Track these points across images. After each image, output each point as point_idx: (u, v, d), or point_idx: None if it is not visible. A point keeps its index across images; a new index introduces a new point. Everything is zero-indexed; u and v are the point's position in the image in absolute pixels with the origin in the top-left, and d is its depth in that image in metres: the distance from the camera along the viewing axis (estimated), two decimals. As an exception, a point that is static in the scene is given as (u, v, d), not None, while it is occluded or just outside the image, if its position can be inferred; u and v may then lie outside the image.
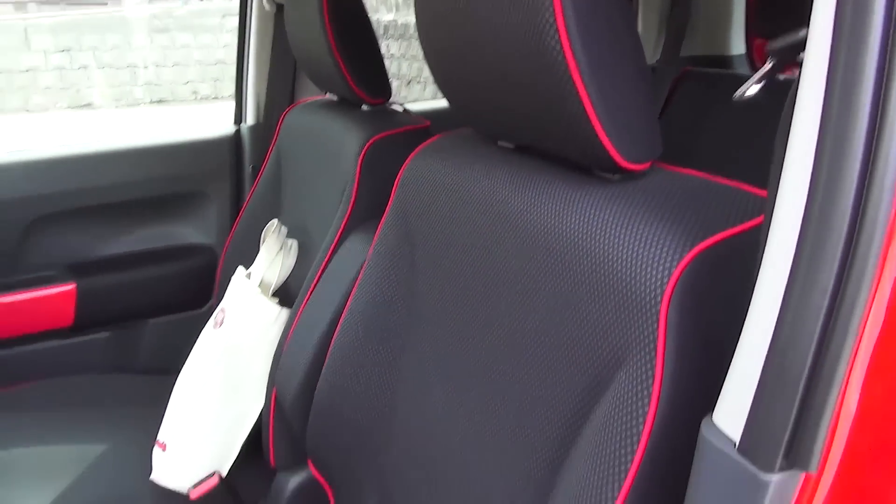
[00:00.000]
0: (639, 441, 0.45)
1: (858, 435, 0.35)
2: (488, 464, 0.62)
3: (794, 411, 0.34)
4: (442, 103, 1.74)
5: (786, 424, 0.35)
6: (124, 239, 1.46)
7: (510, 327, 0.63)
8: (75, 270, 1.41)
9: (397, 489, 0.77)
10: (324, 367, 0.89)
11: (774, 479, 0.35)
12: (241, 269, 1.17)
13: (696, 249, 0.46)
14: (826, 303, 0.33)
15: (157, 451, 1.07)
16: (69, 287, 1.39)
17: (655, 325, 0.46)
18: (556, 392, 0.56)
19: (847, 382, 0.34)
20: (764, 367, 0.35)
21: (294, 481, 1.02)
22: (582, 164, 0.60)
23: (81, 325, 1.41)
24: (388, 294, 0.83)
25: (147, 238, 1.48)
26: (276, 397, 1.02)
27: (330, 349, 0.89)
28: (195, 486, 1.02)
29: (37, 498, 1.00)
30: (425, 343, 0.77)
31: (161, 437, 1.07)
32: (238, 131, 1.53)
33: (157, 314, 1.48)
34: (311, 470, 0.95)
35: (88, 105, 8.31)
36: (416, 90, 6.64)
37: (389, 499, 0.78)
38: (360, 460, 0.84)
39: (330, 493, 0.92)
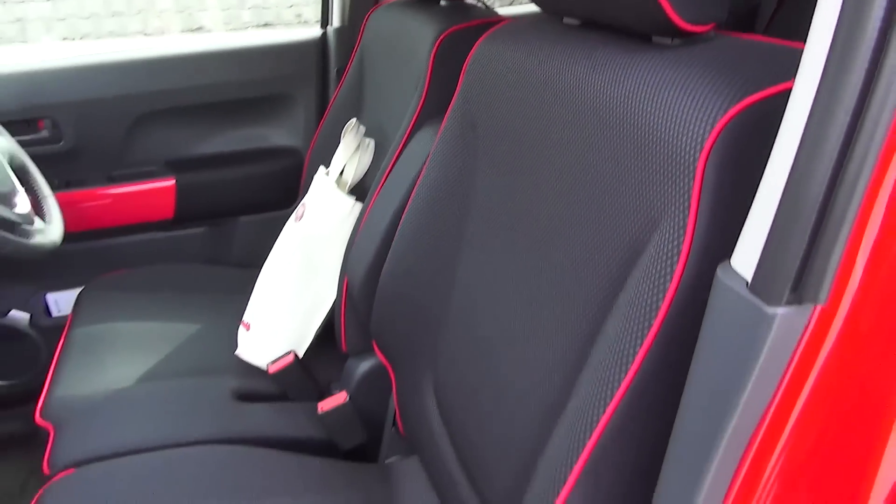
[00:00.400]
0: (665, 293, 0.45)
1: (877, 271, 0.33)
2: (535, 332, 0.63)
3: (805, 245, 0.33)
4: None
5: (795, 258, 0.34)
6: (218, 139, 1.54)
7: (560, 201, 0.63)
8: (174, 167, 1.51)
9: (450, 368, 0.79)
10: (388, 254, 0.92)
11: (780, 311, 0.34)
12: (322, 167, 1.21)
13: (738, 107, 0.44)
14: (842, 138, 0.33)
15: (241, 330, 1.15)
16: (169, 182, 1.49)
17: (691, 182, 0.44)
18: (601, 256, 0.56)
19: (865, 219, 0.33)
20: (779, 204, 0.34)
21: (363, 366, 1.08)
22: (641, 31, 0.58)
23: (181, 218, 1.52)
24: (450, 179, 0.83)
25: (239, 139, 1.56)
26: (347, 286, 1.07)
27: (395, 237, 0.91)
28: (273, 362, 1.09)
29: (138, 364, 1.12)
30: (482, 222, 0.78)
31: (246, 318, 1.16)
32: (324, 34, 1.55)
33: (247, 212, 1.57)
34: (377, 353, 1.00)
35: (200, 28, 8.64)
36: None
37: (444, 377, 0.81)
38: (418, 342, 0.87)
39: (392, 376, 0.97)
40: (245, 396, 1.08)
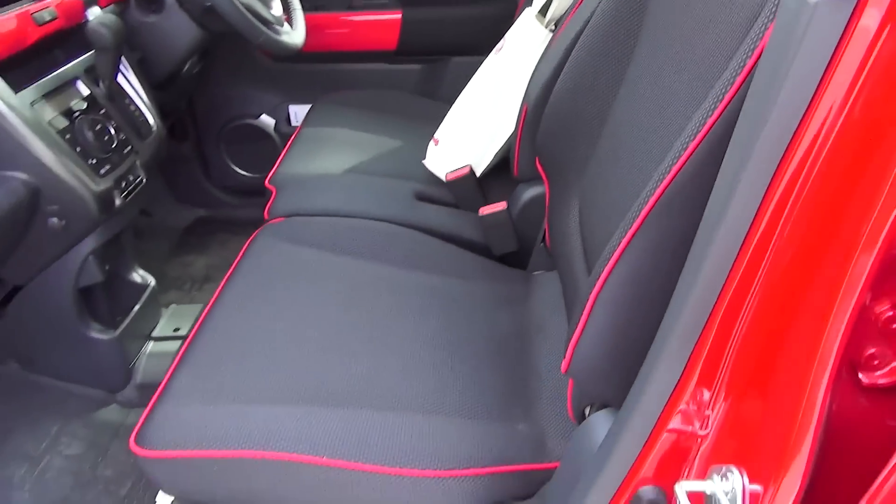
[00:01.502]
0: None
1: None
2: (663, 128, 0.66)
3: None
4: None
5: None
6: None
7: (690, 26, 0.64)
8: (403, 1, 1.65)
9: (594, 187, 0.84)
10: (561, 74, 0.97)
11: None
12: (529, 8, 1.26)
13: None
14: None
15: (431, 145, 1.29)
16: (397, 15, 1.65)
17: None
18: (709, 58, 0.57)
19: None
20: None
21: (530, 192, 1.16)
22: None
23: (401, 51, 1.69)
24: (622, 12, 0.85)
25: None
26: (525, 112, 1.14)
27: (569, 58, 0.96)
28: (451, 172, 1.22)
29: (345, 159, 1.32)
30: (644, 48, 0.79)
31: (436, 135, 1.30)
32: None
33: (459, 53, 1.68)
34: (538, 168, 1.07)
35: None
36: None
37: (588, 196, 0.86)
38: (572, 157, 0.93)
39: (547, 193, 1.04)
40: (423, 198, 1.23)
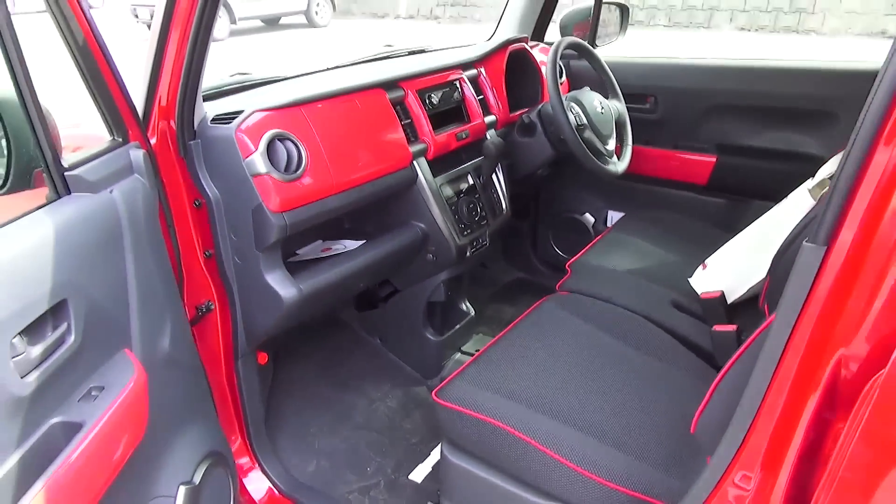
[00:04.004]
0: None
1: None
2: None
3: None
4: None
5: None
6: (755, 135, 1.94)
7: None
8: (720, 148, 2.00)
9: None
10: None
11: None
12: (810, 179, 1.51)
13: None
14: None
15: (699, 268, 1.61)
16: (711, 159, 1.99)
17: None
18: None
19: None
20: None
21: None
22: None
23: (710, 187, 2.02)
24: None
25: (772, 139, 1.91)
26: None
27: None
28: (705, 291, 1.53)
29: (630, 261, 1.71)
30: None
31: (707, 260, 1.61)
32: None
33: (759, 197, 1.93)
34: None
35: (883, 32, 8.31)
36: None
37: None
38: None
39: None
40: (678, 306, 1.56)
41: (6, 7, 0.82)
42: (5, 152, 0.94)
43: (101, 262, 0.96)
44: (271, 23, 12.38)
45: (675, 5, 10.99)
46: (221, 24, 10.57)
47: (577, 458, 1.09)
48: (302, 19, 12.26)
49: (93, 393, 0.90)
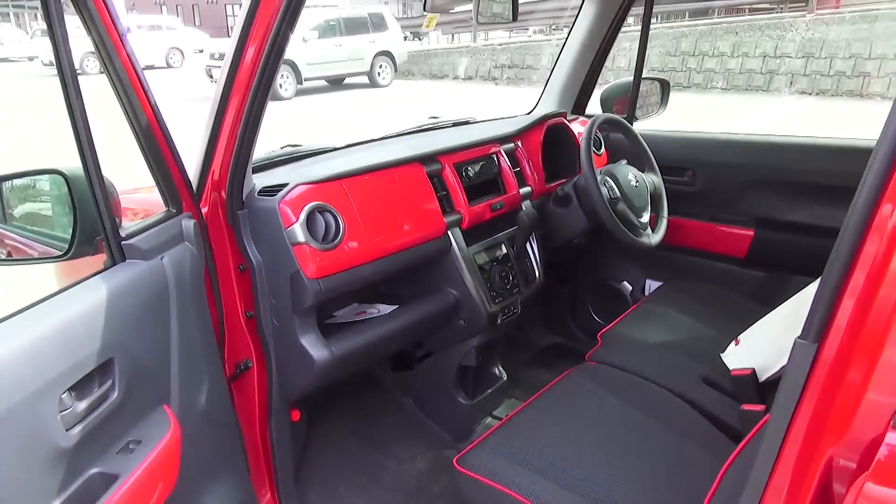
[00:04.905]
0: None
1: None
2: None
3: None
4: None
5: None
6: (794, 210, 1.93)
7: None
8: (758, 222, 1.99)
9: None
10: None
11: None
12: None
13: None
14: None
15: (732, 344, 1.60)
16: (749, 232, 1.99)
17: None
18: None
19: None
20: None
21: None
22: None
23: (748, 261, 2.01)
24: None
25: (812, 215, 1.90)
26: None
27: None
28: (736, 368, 1.52)
29: (661, 332, 1.72)
30: None
31: (741, 336, 1.60)
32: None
33: (797, 272, 1.91)
34: None
35: None
36: None
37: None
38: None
39: None
40: (708, 382, 1.55)
41: (80, 90, 0.94)
42: (72, 221, 1.05)
43: (148, 324, 1.05)
44: (336, 83, 12.99)
45: (733, 68, 10.98)
46: (288, 85, 11.17)
47: None
48: (365, 80, 12.83)
49: (130, 446, 0.97)
